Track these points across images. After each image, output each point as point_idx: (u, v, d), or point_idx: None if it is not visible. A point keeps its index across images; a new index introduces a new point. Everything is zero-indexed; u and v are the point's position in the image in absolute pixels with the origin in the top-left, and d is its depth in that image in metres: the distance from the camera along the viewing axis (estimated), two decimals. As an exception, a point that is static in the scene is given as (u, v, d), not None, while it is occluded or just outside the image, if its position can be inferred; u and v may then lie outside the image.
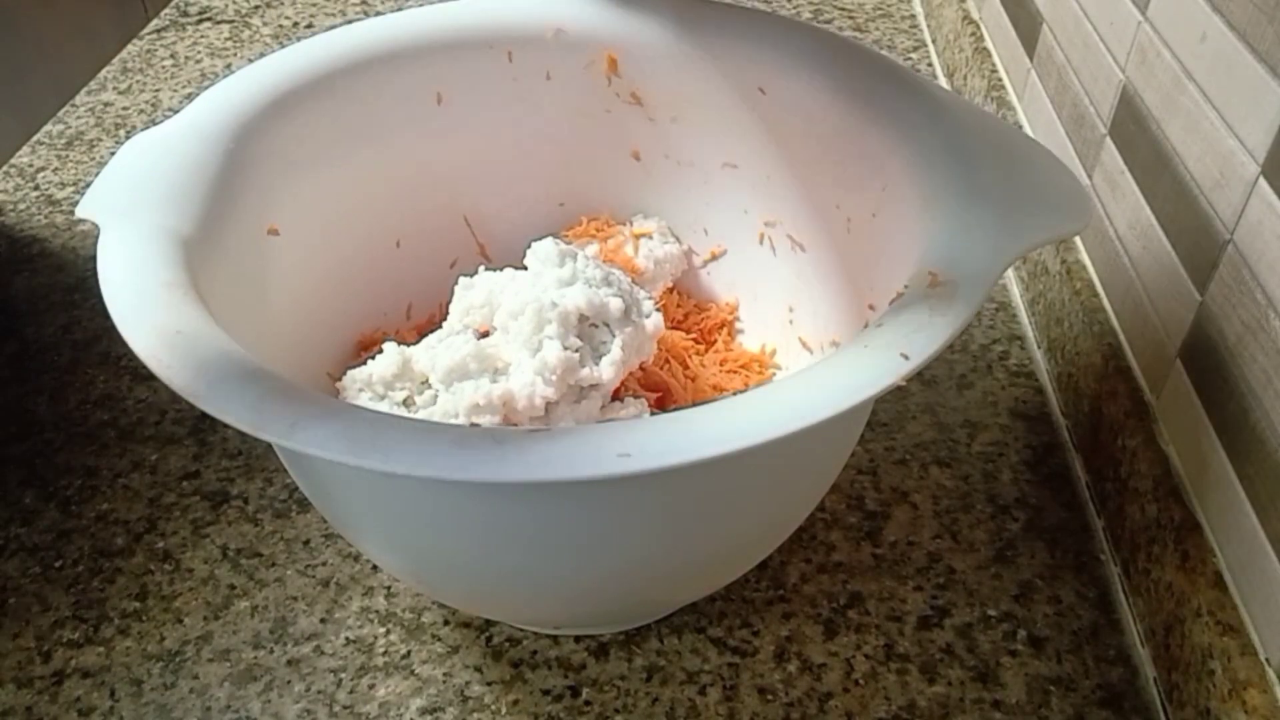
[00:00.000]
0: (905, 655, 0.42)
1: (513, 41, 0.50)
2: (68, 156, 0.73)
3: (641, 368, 0.44)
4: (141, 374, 0.55)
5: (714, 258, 0.54)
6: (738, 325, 0.53)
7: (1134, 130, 0.48)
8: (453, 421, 0.39)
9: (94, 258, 0.35)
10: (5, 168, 0.72)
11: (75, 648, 0.43)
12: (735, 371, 0.50)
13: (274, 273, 0.43)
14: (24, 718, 0.41)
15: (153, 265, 0.35)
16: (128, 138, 0.43)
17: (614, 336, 0.40)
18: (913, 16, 0.89)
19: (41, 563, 0.46)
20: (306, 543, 0.47)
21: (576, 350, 0.39)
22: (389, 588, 0.45)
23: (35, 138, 0.75)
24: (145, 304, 0.33)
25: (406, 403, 0.42)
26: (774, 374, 0.50)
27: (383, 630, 0.44)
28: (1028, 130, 0.63)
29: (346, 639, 0.43)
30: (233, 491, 0.49)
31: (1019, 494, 0.49)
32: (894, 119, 0.42)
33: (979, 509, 0.48)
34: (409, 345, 0.43)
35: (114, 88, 0.80)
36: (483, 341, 0.41)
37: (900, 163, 0.40)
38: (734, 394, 0.36)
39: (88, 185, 0.49)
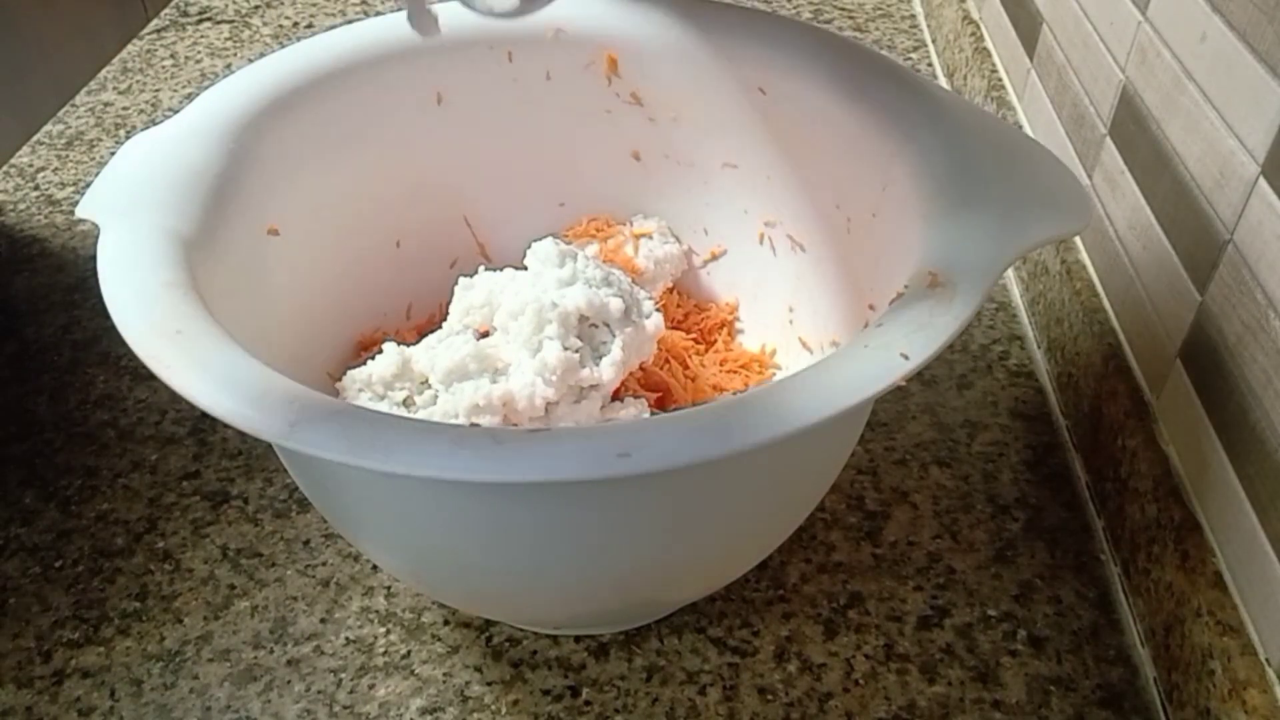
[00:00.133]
0: (905, 655, 0.42)
1: (513, 41, 0.50)
2: (68, 156, 0.73)
3: (641, 368, 0.44)
4: (141, 374, 0.55)
5: (714, 258, 0.54)
6: (738, 325, 0.53)
7: (1134, 130, 0.48)
8: (453, 422, 0.39)
9: (94, 258, 0.35)
10: (5, 168, 0.72)
11: (75, 648, 0.43)
12: (735, 371, 0.50)
13: (274, 273, 0.43)
14: (24, 718, 0.41)
15: (153, 265, 0.35)
16: (128, 138, 0.43)
17: (614, 337, 0.40)
18: (913, 16, 0.89)
19: (41, 563, 0.46)
20: (306, 543, 0.47)
21: (577, 351, 0.39)
22: (389, 588, 0.45)
23: (35, 138, 0.75)
24: (145, 304, 0.33)
25: (406, 403, 0.42)
26: (774, 374, 0.50)
27: (383, 630, 0.44)
28: (1028, 130, 0.63)
29: (346, 639, 0.43)
30: (233, 491, 0.49)
31: (1019, 494, 0.49)
32: (894, 119, 0.42)
33: (979, 509, 0.48)
34: (409, 345, 0.43)
35: (114, 88, 0.80)
36: (483, 342, 0.41)
37: (900, 163, 0.40)
38: (734, 394, 0.36)
39: (88, 185, 0.49)
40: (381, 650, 0.43)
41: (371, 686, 0.42)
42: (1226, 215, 0.40)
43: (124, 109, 0.78)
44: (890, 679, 0.42)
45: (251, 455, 0.51)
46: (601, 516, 0.33)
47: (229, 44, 0.86)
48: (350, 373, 0.43)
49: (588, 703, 0.41)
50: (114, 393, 0.55)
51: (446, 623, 0.44)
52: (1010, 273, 0.62)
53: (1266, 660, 0.36)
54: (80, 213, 0.38)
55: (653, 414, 0.42)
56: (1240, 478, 0.38)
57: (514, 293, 0.41)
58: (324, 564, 0.46)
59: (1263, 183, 0.37)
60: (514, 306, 0.40)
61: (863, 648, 0.43)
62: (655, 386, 0.46)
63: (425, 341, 0.43)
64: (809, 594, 0.45)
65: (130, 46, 0.86)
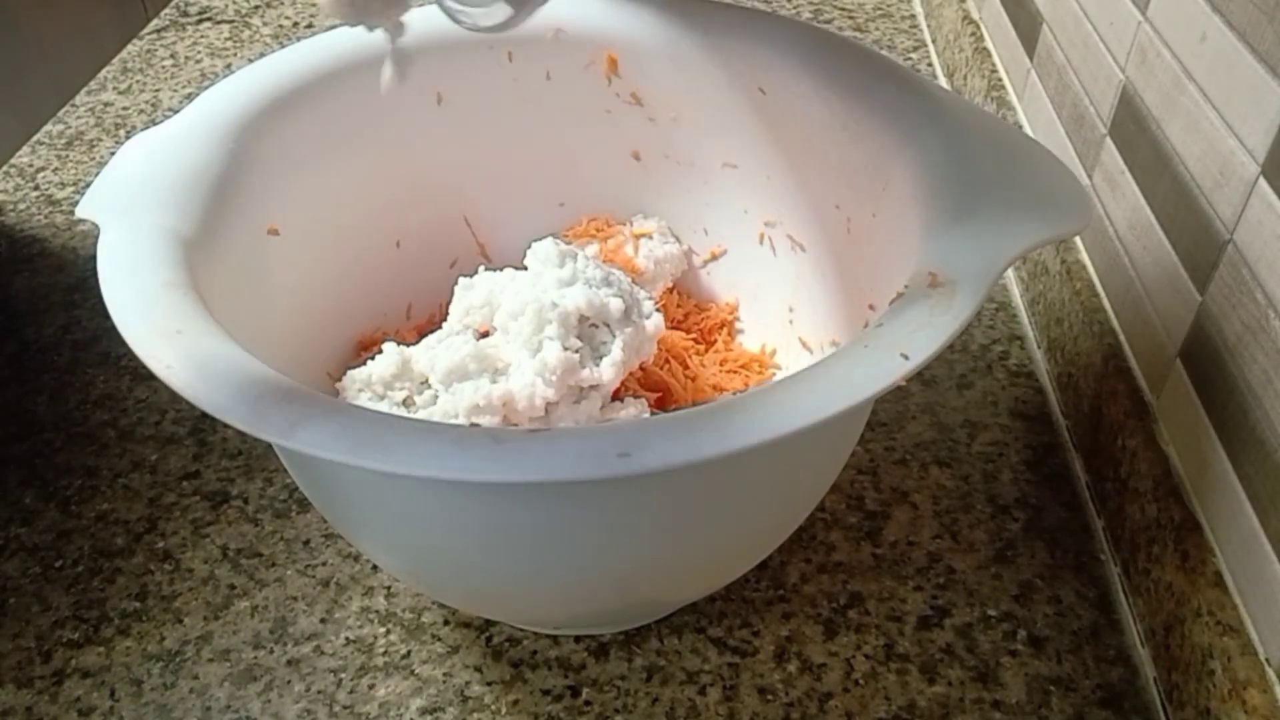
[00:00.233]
0: (905, 655, 0.42)
1: (513, 42, 0.50)
2: (68, 156, 0.73)
3: (641, 368, 0.44)
4: (141, 374, 0.55)
5: (714, 258, 0.54)
6: (738, 325, 0.53)
7: (1134, 130, 0.48)
8: (453, 422, 0.39)
9: (94, 258, 0.35)
10: (5, 168, 0.72)
11: (75, 648, 0.43)
12: (735, 371, 0.50)
13: (274, 273, 0.43)
14: (24, 718, 0.41)
15: (153, 265, 0.35)
16: (128, 138, 0.43)
17: (614, 337, 0.40)
18: (913, 16, 0.89)
19: (41, 563, 0.46)
20: (306, 543, 0.47)
21: (576, 351, 0.39)
22: (389, 588, 0.45)
23: (35, 138, 0.75)
24: (145, 304, 0.33)
25: (406, 403, 0.42)
26: (774, 374, 0.50)
27: (383, 630, 0.44)
28: (1028, 130, 0.63)
29: (346, 639, 0.43)
30: (233, 491, 0.49)
31: (1019, 494, 0.49)
32: (894, 119, 0.42)
33: (979, 509, 0.48)
34: (409, 345, 0.43)
35: (114, 88, 0.80)
36: (482, 342, 0.41)
37: (900, 162, 0.40)
38: (734, 394, 0.36)
39: (88, 185, 0.49)
40: (381, 650, 0.43)
41: (371, 686, 0.42)
42: (1226, 215, 0.40)
43: (124, 109, 0.78)
44: (890, 679, 0.42)
45: (251, 455, 0.51)
46: (601, 516, 0.33)
47: (229, 44, 0.86)
48: (350, 373, 0.43)
49: (588, 703, 0.41)
50: (114, 393, 0.55)
51: (446, 623, 0.44)
52: (1010, 273, 0.62)
53: (1266, 660, 0.36)
54: (80, 213, 0.38)
55: (653, 414, 0.42)
56: (1240, 478, 0.38)
57: (514, 293, 0.41)
58: (324, 564, 0.46)
59: (1263, 183, 0.37)
60: (514, 306, 0.40)
61: (863, 648, 0.43)
62: (655, 386, 0.46)
63: (425, 341, 0.43)
64: (809, 594, 0.45)
65: (130, 46, 0.86)
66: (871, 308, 0.41)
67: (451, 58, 0.49)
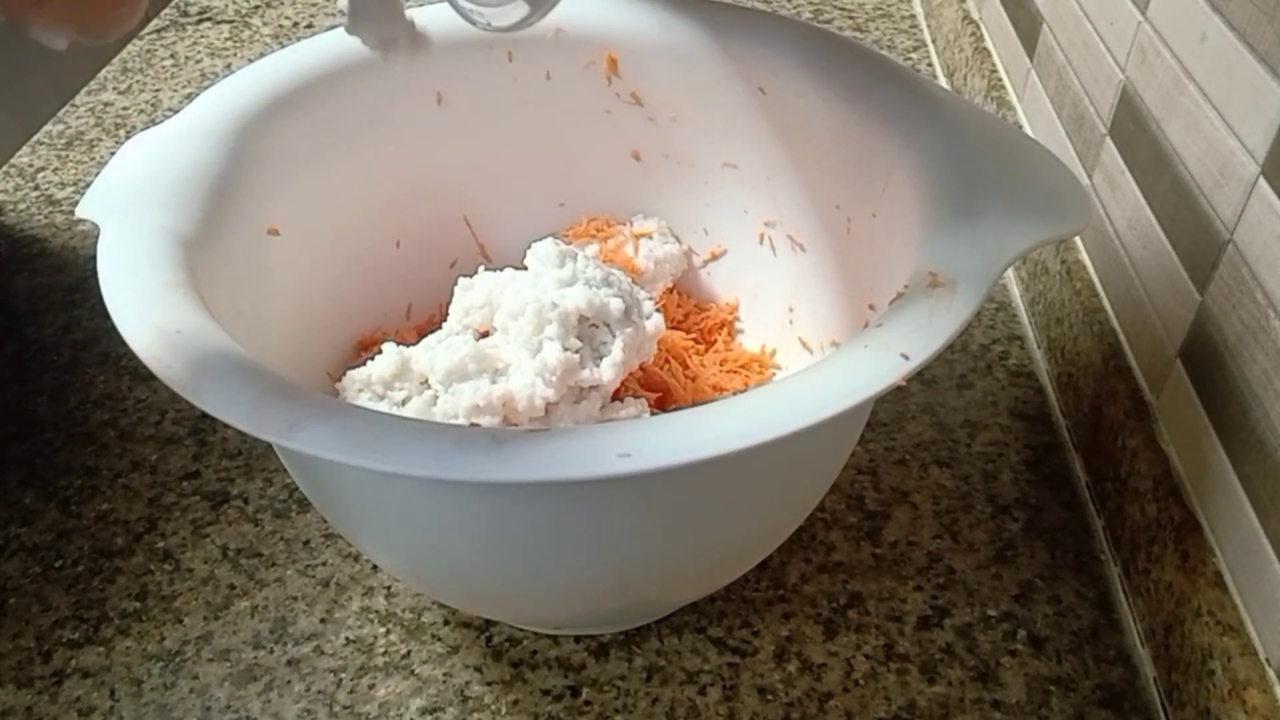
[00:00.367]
0: (905, 655, 0.42)
1: (513, 42, 0.50)
2: (68, 156, 0.73)
3: (641, 368, 0.44)
4: (141, 374, 0.55)
5: (714, 258, 0.54)
6: (738, 325, 0.53)
7: (1134, 130, 0.48)
8: (453, 422, 0.39)
9: (94, 258, 0.35)
10: (5, 168, 0.72)
11: (75, 648, 0.43)
12: (735, 371, 0.50)
13: (274, 273, 0.43)
14: (24, 718, 0.41)
15: (153, 265, 0.35)
16: (128, 138, 0.43)
17: (614, 337, 0.40)
18: (913, 16, 0.89)
19: (41, 563, 0.46)
20: (306, 543, 0.47)
21: (577, 351, 0.39)
22: (389, 588, 0.45)
23: (35, 138, 0.75)
24: (145, 304, 0.33)
25: (406, 403, 0.42)
26: (774, 374, 0.50)
27: (383, 630, 0.44)
28: (1028, 130, 0.63)
29: (346, 639, 0.43)
30: (233, 491, 0.49)
31: (1019, 494, 0.49)
32: (894, 119, 0.42)
33: (979, 509, 0.48)
34: (409, 345, 0.43)
35: (114, 88, 0.80)
36: (482, 342, 0.41)
37: (900, 162, 0.40)
38: (734, 394, 0.36)
39: (88, 185, 0.49)
40: (381, 650, 0.43)
41: (371, 686, 0.42)
42: (1226, 215, 0.40)
43: (124, 109, 0.78)
44: (890, 679, 0.42)
45: (251, 455, 0.51)
46: (601, 516, 0.33)
47: (229, 44, 0.86)
48: (350, 373, 0.43)
49: (588, 703, 0.41)
50: (114, 393, 0.55)
51: (446, 623, 0.44)
52: (1010, 273, 0.62)
53: (1266, 660, 0.36)
54: (80, 213, 0.38)
55: (653, 414, 0.42)
56: (1240, 478, 0.38)
57: (514, 293, 0.41)
58: (324, 564, 0.46)
59: (1263, 183, 0.37)
60: (514, 307, 0.40)
61: (863, 648, 0.43)
62: (655, 386, 0.46)
63: (425, 342, 0.43)
64: (809, 594, 0.45)
65: (130, 46, 0.86)
66: (871, 308, 0.41)
67: (451, 58, 0.49)
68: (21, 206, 0.68)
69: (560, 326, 0.39)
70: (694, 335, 0.52)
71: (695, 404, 0.44)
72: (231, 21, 0.90)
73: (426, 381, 0.41)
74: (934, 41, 0.84)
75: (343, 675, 0.42)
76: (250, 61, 0.48)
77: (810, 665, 0.42)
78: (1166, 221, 0.45)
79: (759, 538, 0.40)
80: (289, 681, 0.42)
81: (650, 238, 0.53)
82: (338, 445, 0.29)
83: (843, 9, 0.90)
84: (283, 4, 0.92)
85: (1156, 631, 0.41)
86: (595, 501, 0.33)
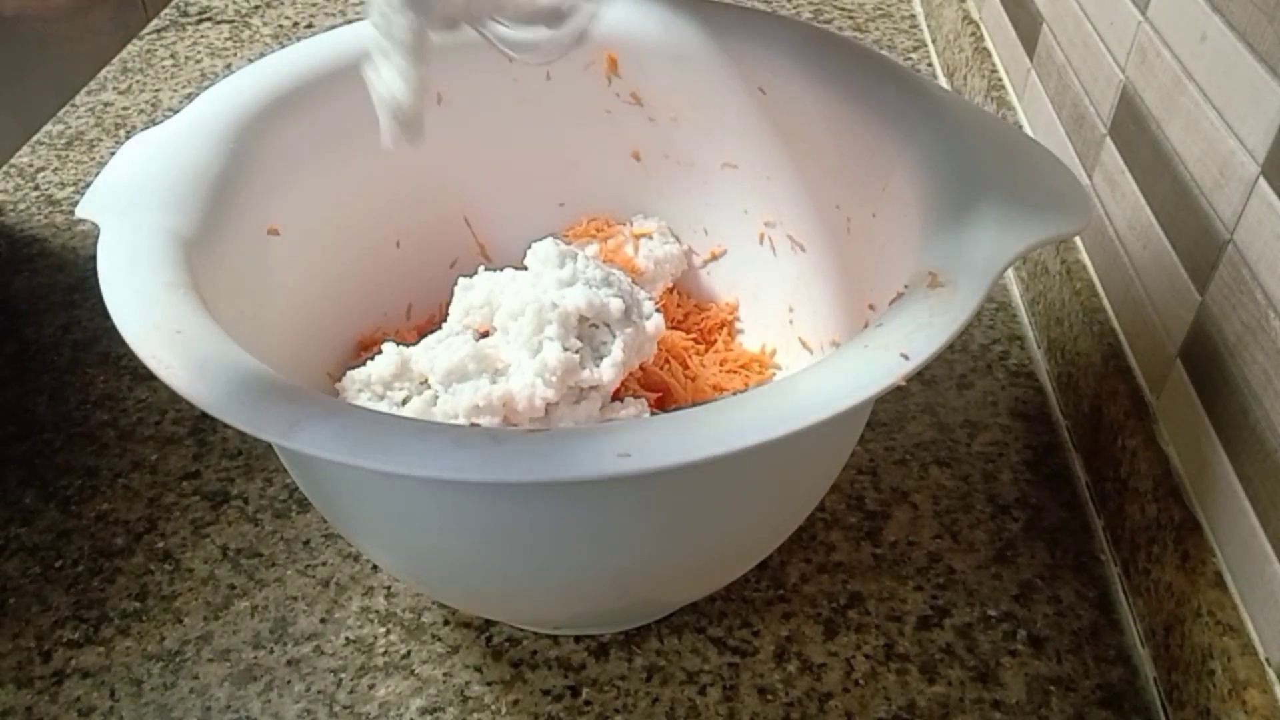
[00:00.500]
0: (905, 655, 0.42)
1: (513, 41, 0.50)
2: (68, 156, 0.73)
3: (641, 368, 0.44)
4: (141, 374, 0.55)
5: (714, 258, 0.54)
6: (738, 325, 0.53)
7: (1134, 130, 0.48)
8: (453, 422, 0.39)
9: (94, 258, 0.35)
10: (5, 168, 0.72)
11: (75, 648, 0.43)
12: (735, 371, 0.50)
13: (274, 273, 0.43)
14: (24, 718, 0.41)
15: (153, 265, 0.35)
16: (128, 138, 0.43)
17: (614, 337, 0.40)
18: (913, 16, 0.89)
19: (41, 563, 0.46)
20: (306, 543, 0.47)
21: (577, 351, 0.39)
22: (389, 588, 0.45)
23: (35, 138, 0.75)
24: (145, 304, 0.33)
25: (406, 403, 0.42)
26: (774, 374, 0.50)
27: (383, 630, 0.44)
28: (1028, 130, 0.63)
29: (346, 639, 0.43)
30: (233, 491, 0.49)
31: (1019, 494, 0.49)
32: (894, 119, 0.42)
33: (979, 509, 0.48)
34: (409, 345, 0.43)
35: (114, 88, 0.80)
36: (482, 342, 0.41)
37: (900, 163, 0.40)
38: (734, 394, 0.36)
39: (88, 185, 0.49)
40: (381, 650, 0.43)
41: (371, 686, 0.42)
42: (1226, 215, 0.40)
43: (124, 109, 0.78)
44: (890, 679, 0.42)
45: (251, 455, 0.51)
46: (601, 516, 0.33)
47: (229, 44, 0.86)
48: (350, 373, 0.43)
49: (588, 703, 0.41)
50: (114, 393, 0.55)
51: (446, 623, 0.44)
52: (1010, 273, 0.62)
53: (1266, 660, 0.36)
54: (80, 213, 0.38)
55: (653, 414, 0.42)
56: (1240, 478, 0.38)
57: (514, 293, 0.41)
58: (324, 564, 0.46)
59: (1263, 183, 0.37)
60: (514, 307, 0.40)
61: (863, 648, 0.43)
62: (655, 386, 0.46)
63: (425, 342, 0.43)
64: (809, 594, 0.45)
65: (130, 46, 0.86)
66: (871, 308, 0.41)
67: (451, 58, 0.49)
68: (21, 206, 0.68)
69: (560, 326, 0.39)
70: (694, 335, 0.52)
71: (695, 404, 0.44)
72: (231, 21, 0.90)
73: (426, 381, 0.41)
74: (934, 41, 0.84)
75: (343, 675, 0.42)
76: (250, 61, 0.48)
77: (810, 665, 0.42)
78: (1166, 221, 0.45)
79: (759, 538, 0.40)
80: (289, 681, 0.42)
81: (650, 238, 0.53)
82: (338, 445, 0.29)
83: (843, 9, 0.90)
84: (283, 4, 0.92)
85: (1156, 631, 0.41)
86: (595, 501, 0.33)
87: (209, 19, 0.90)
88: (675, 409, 0.35)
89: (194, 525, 0.48)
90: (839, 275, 0.46)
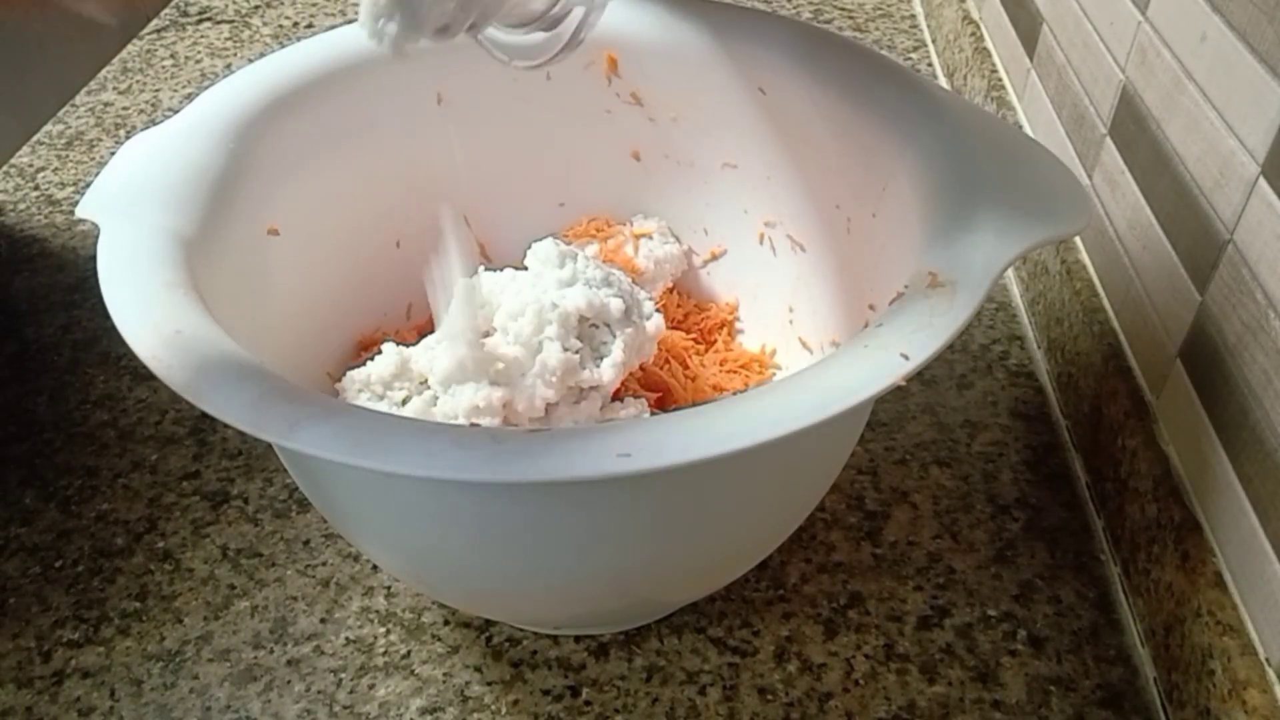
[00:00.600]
0: (905, 655, 0.42)
1: (513, 41, 0.50)
2: (68, 156, 0.73)
3: (641, 368, 0.44)
4: (141, 374, 0.55)
5: (714, 258, 0.54)
6: (738, 325, 0.53)
7: (1134, 130, 0.48)
8: (453, 422, 0.39)
9: (94, 258, 0.35)
10: (5, 168, 0.72)
11: (75, 648, 0.43)
12: (735, 371, 0.50)
13: (274, 273, 0.43)
14: (24, 718, 0.41)
15: (153, 265, 0.35)
16: (128, 138, 0.43)
17: (615, 337, 0.40)
18: (913, 16, 0.89)
19: (41, 563, 0.46)
20: (306, 543, 0.47)
21: (577, 351, 0.39)
22: (389, 588, 0.45)
23: (35, 138, 0.75)
24: (145, 304, 0.33)
25: (406, 403, 0.42)
26: (774, 374, 0.50)
27: (383, 630, 0.44)
28: (1028, 130, 0.63)
29: (346, 639, 0.43)
30: (233, 491, 0.49)
31: (1019, 494, 0.49)
32: (894, 119, 0.42)
33: (979, 509, 0.48)
34: (409, 345, 0.43)
35: (114, 88, 0.80)
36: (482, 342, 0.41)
37: (900, 163, 0.40)
38: (734, 394, 0.36)
39: (88, 185, 0.49)
40: (381, 650, 0.43)
41: (371, 686, 0.42)
42: (1226, 215, 0.40)
43: (124, 109, 0.78)
44: (890, 679, 0.42)
45: (251, 455, 0.51)
46: (601, 516, 0.33)
47: (229, 44, 0.86)
48: (350, 373, 0.43)
49: (588, 703, 0.41)
50: (114, 393, 0.55)
51: (446, 623, 0.44)
52: (1010, 273, 0.62)
53: (1266, 660, 0.36)
54: (80, 213, 0.38)
55: (653, 414, 0.42)
56: (1240, 478, 0.38)
57: (514, 293, 0.41)
58: (324, 564, 0.46)
59: (1263, 183, 0.37)
60: (514, 307, 0.40)
61: (863, 648, 0.43)
62: (655, 386, 0.46)
63: (425, 342, 0.43)
64: (809, 594, 0.45)
65: (130, 46, 0.86)
66: (871, 308, 0.41)
67: (451, 58, 0.49)
68: (21, 206, 0.68)
69: (560, 327, 0.39)
70: (694, 335, 0.52)
71: (695, 404, 0.44)
72: (231, 21, 0.90)
73: (426, 381, 0.41)
74: (934, 41, 0.84)
75: (343, 675, 0.42)
76: (250, 61, 0.48)
77: (810, 665, 0.42)
78: (1166, 221, 0.45)
79: (759, 538, 0.40)
80: (289, 681, 0.42)
81: (650, 238, 0.53)
82: (338, 445, 0.29)
83: (843, 9, 0.90)
84: (283, 4, 0.92)
85: (1156, 631, 0.41)
86: (595, 501, 0.33)
87: (209, 19, 0.90)
88: (675, 409, 0.35)
89: (194, 525, 0.48)
90: (839, 275, 0.46)
